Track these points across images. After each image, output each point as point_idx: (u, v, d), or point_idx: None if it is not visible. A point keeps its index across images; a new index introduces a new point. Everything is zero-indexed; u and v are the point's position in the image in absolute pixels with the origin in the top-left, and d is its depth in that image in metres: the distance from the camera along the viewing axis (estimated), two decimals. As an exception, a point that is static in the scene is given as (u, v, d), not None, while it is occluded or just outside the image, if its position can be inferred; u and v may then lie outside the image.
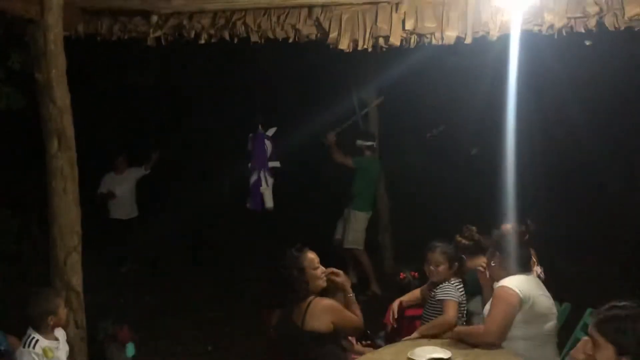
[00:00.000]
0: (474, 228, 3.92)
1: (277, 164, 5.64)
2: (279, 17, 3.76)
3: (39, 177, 3.72)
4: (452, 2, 3.52)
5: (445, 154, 8.71)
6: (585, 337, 2.18)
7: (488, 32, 3.53)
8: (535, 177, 6.85)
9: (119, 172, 7.27)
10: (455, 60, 6.34)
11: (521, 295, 2.97)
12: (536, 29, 3.50)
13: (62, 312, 3.25)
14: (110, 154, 7.41)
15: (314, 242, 3.50)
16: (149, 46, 4.05)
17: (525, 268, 3.15)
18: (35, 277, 5.80)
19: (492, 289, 3.18)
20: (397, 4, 3.54)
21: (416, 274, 4.41)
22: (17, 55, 4.53)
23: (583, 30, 3.45)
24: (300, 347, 3.20)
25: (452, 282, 3.56)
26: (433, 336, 3.26)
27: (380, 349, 3.28)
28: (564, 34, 3.51)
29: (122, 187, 7.22)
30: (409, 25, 3.54)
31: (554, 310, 3.15)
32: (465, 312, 3.59)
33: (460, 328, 3.28)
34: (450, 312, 3.40)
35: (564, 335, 3.39)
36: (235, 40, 3.94)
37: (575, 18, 3.40)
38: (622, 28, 3.35)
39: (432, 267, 3.61)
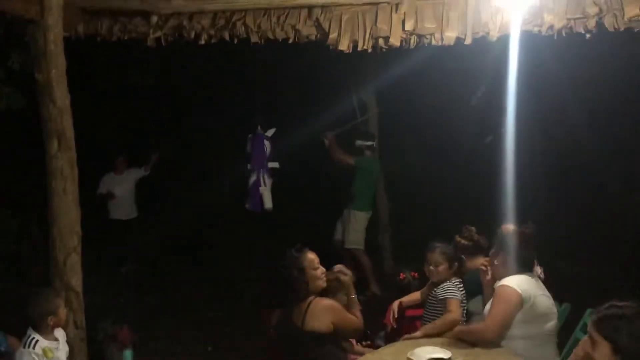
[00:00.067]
0: (473, 228, 3.92)
1: (276, 164, 5.65)
2: (278, 18, 3.76)
3: (39, 178, 3.72)
4: (452, 2, 3.52)
5: (445, 154, 8.71)
6: (586, 337, 2.20)
7: (488, 33, 3.53)
8: (535, 177, 6.86)
9: (118, 172, 7.27)
10: (455, 61, 6.34)
11: (522, 295, 2.98)
12: (536, 29, 3.50)
13: (62, 312, 3.25)
14: (110, 154, 7.41)
15: (313, 242, 3.50)
16: (149, 47, 4.06)
17: (527, 268, 3.15)
18: (35, 277, 5.81)
19: (493, 288, 3.18)
20: (397, 5, 3.55)
21: (416, 274, 4.42)
22: (17, 55, 4.53)
23: (583, 31, 3.46)
24: (300, 347, 3.20)
25: (453, 281, 3.58)
26: (436, 335, 3.26)
27: (380, 349, 3.28)
28: (564, 34, 3.51)
29: (122, 188, 7.22)
30: (408, 26, 3.55)
31: (554, 310, 3.16)
32: (465, 312, 3.60)
33: (459, 327, 3.28)
34: (455, 310, 3.42)
35: (564, 335, 3.39)
36: (235, 41, 3.94)
37: (574, 19, 3.40)
38: (622, 29, 3.36)
39: (431, 267, 3.62)
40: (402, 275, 4.52)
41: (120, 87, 7.97)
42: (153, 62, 7.39)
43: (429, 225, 6.52)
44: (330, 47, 3.73)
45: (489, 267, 3.38)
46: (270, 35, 3.83)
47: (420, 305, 3.86)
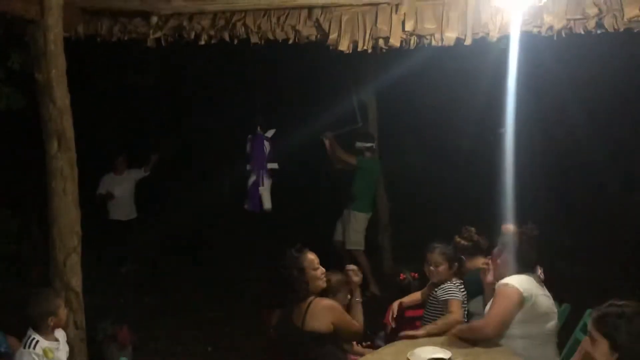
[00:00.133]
0: (472, 229, 3.93)
1: (275, 165, 5.64)
2: (278, 18, 3.77)
3: (39, 178, 3.72)
4: (452, 3, 3.53)
5: (445, 155, 8.72)
6: (587, 336, 2.23)
7: (488, 33, 3.54)
8: (535, 177, 6.87)
9: (118, 172, 7.27)
10: (455, 62, 6.35)
11: (524, 294, 2.98)
12: (536, 30, 3.50)
13: (63, 312, 3.25)
14: (110, 154, 7.41)
15: (313, 243, 3.51)
16: (148, 47, 4.06)
17: (529, 269, 3.16)
18: (35, 277, 5.81)
19: (494, 289, 3.18)
20: (397, 5, 3.55)
21: (416, 274, 4.42)
22: (17, 55, 4.53)
23: (582, 32, 3.46)
24: (300, 347, 3.20)
25: (454, 282, 3.58)
26: (437, 334, 3.26)
27: (380, 349, 3.28)
28: (564, 35, 3.52)
29: (122, 188, 7.22)
30: (408, 27, 3.55)
31: (555, 310, 3.17)
32: (466, 313, 3.60)
33: (459, 325, 3.29)
34: (456, 311, 3.42)
35: (564, 336, 3.39)
36: (235, 42, 3.94)
37: (574, 19, 3.41)
38: (622, 29, 3.36)
39: (431, 268, 3.62)
40: (402, 276, 4.52)
41: (120, 88, 7.97)
42: (153, 62, 7.39)
43: (429, 225, 6.52)
44: (330, 47, 3.73)
45: (490, 267, 3.38)
46: (270, 36, 3.83)
47: (420, 305, 3.86)
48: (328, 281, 3.41)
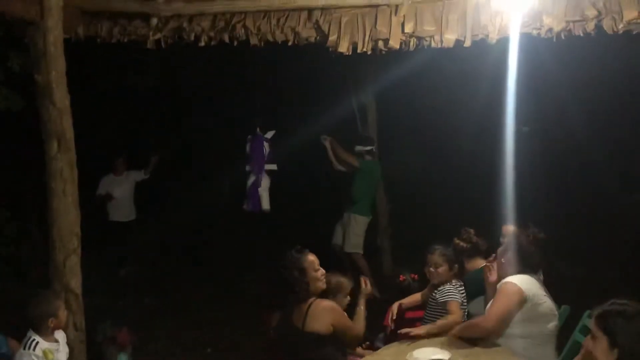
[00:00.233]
0: (471, 230, 3.94)
1: (274, 166, 5.65)
2: (278, 20, 3.77)
3: (39, 179, 3.72)
4: (452, 5, 3.54)
5: (444, 156, 8.72)
6: (589, 335, 2.28)
7: (487, 35, 3.55)
8: (535, 178, 6.87)
9: (117, 173, 7.27)
10: (455, 64, 6.35)
11: (525, 293, 2.99)
12: (535, 32, 3.51)
13: (62, 314, 3.25)
14: (110, 155, 7.41)
15: (312, 244, 3.51)
16: (148, 48, 4.06)
17: (532, 269, 3.17)
18: (35, 279, 5.81)
19: (495, 288, 3.19)
20: (396, 7, 3.56)
21: (416, 276, 4.42)
22: (17, 56, 4.54)
23: (581, 34, 3.47)
24: (300, 348, 3.20)
25: (453, 283, 3.58)
26: (437, 335, 3.26)
27: (379, 350, 3.29)
28: (563, 37, 3.53)
29: (121, 189, 7.21)
30: (408, 28, 3.56)
31: (555, 312, 3.17)
32: (466, 314, 3.60)
33: (459, 325, 3.29)
34: (456, 312, 3.42)
35: (562, 337, 3.39)
36: (235, 43, 3.95)
37: (573, 21, 3.42)
38: (620, 31, 3.37)
39: (431, 269, 3.63)
40: (402, 277, 4.52)
41: (119, 89, 7.97)
42: (153, 64, 7.39)
43: (429, 226, 6.52)
44: (330, 49, 3.74)
45: (494, 267, 3.38)
46: (270, 38, 3.84)
47: (420, 306, 3.86)
48: (328, 283, 3.41)
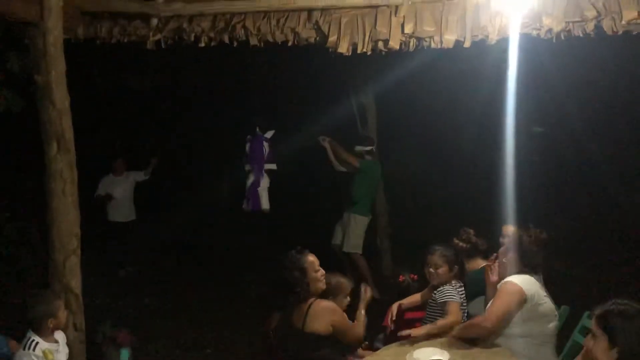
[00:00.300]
0: (471, 231, 3.94)
1: (273, 166, 5.65)
2: (278, 21, 3.77)
3: (39, 179, 3.72)
4: (451, 5, 3.54)
5: (444, 157, 8.72)
6: (590, 335, 2.32)
7: (487, 36, 3.55)
8: (534, 179, 6.87)
9: (117, 174, 7.27)
10: (454, 64, 6.36)
11: (526, 293, 2.99)
12: (535, 32, 3.52)
13: (62, 314, 3.25)
14: (110, 156, 7.41)
15: (312, 245, 3.51)
16: (148, 49, 4.06)
17: (534, 269, 3.16)
18: (34, 279, 5.81)
19: (496, 288, 3.19)
20: (396, 8, 3.56)
21: (415, 276, 4.42)
22: (16, 57, 4.53)
23: (581, 34, 3.47)
24: (300, 348, 3.20)
25: (453, 284, 3.57)
26: (436, 335, 3.26)
27: (379, 351, 3.29)
28: (562, 37, 3.53)
29: (121, 189, 7.22)
30: (408, 29, 3.56)
31: (556, 312, 3.18)
32: (466, 315, 3.60)
33: (459, 325, 3.29)
34: (455, 313, 3.41)
35: (561, 338, 3.40)
36: (235, 44, 3.95)
37: (573, 22, 3.42)
38: (620, 32, 3.37)
39: (431, 270, 3.62)
40: (401, 278, 4.52)
41: (119, 89, 7.98)
42: (153, 64, 7.39)
43: (428, 227, 6.54)
44: (330, 50, 3.74)
45: (495, 266, 3.37)
46: (270, 38, 3.84)
47: (419, 307, 3.86)
48: (328, 283, 3.41)
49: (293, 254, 3.33)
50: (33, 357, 3.08)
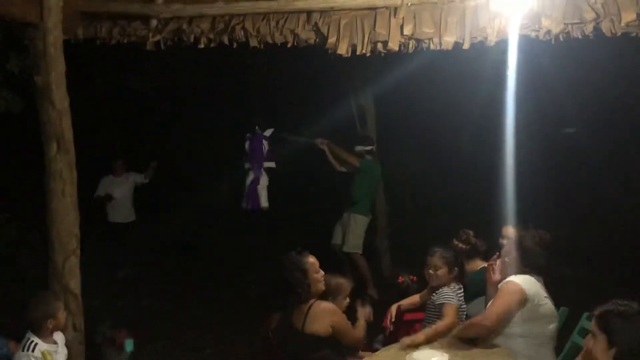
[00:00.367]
0: (470, 232, 3.94)
1: (272, 164, 5.65)
2: (277, 22, 3.78)
3: (38, 180, 3.72)
4: (450, 7, 3.55)
5: (443, 158, 8.73)
6: (590, 335, 2.33)
7: (486, 38, 3.55)
8: (533, 180, 6.88)
9: (117, 174, 7.27)
10: (454, 66, 6.37)
11: (527, 293, 3.00)
12: (533, 34, 3.52)
13: (62, 315, 3.25)
14: (109, 157, 7.41)
15: (312, 244, 3.52)
16: (148, 50, 4.06)
17: (536, 270, 3.16)
18: (34, 280, 5.80)
19: (497, 288, 3.19)
20: (395, 9, 3.57)
21: (415, 277, 4.42)
22: (16, 58, 4.53)
23: (580, 36, 3.48)
24: (300, 349, 3.20)
25: (452, 286, 3.57)
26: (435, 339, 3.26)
27: (378, 352, 3.28)
28: (561, 39, 3.54)
29: (121, 190, 7.22)
30: (407, 31, 3.57)
31: (556, 314, 3.18)
32: (465, 317, 3.60)
33: (459, 326, 3.29)
34: (450, 316, 3.41)
35: (560, 339, 3.40)
36: (235, 45, 3.95)
37: (572, 24, 3.43)
38: (619, 34, 3.38)
39: (431, 271, 3.62)
40: (401, 279, 4.52)
41: (119, 90, 7.98)
42: (152, 65, 7.40)
43: (428, 228, 6.54)
44: (329, 51, 3.74)
45: (497, 266, 3.37)
46: (269, 40, 3.84)
47: (418, 308, 3.86)
48: (327, 284, 3.41)
49: (294, 255, 3.33)
50: (32, 358, 3.08)
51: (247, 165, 5.64)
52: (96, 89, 7.66)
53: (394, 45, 3.60)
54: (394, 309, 3.83)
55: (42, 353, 3.09)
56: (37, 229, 6.27)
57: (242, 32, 3.84)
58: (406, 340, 3.17)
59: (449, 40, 3.56)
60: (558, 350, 3.31)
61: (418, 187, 8.49)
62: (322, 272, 3.37)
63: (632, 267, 6.24)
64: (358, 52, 3.70)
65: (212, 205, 8.32)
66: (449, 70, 6.62)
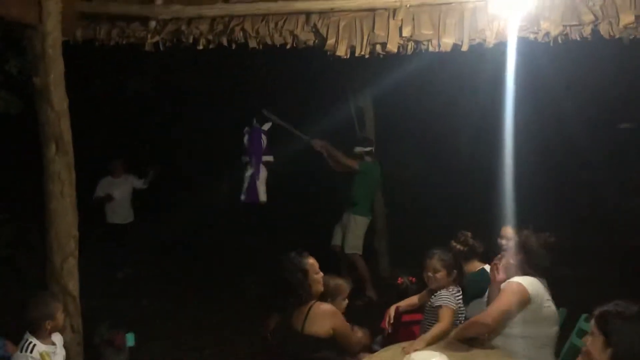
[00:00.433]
0: (468, 233, 3.94)
1: (270, 158, 5.63)
2: (276, 23, 3.78)
3: (37, 181, 3.73)
4: (449, 9, 3.55)
5: (442, 159, 8.74)
6: (589, 335, 2.33)
7: (484, 39, 3.56)
8: (532, 182, 6.88)
9: (116, 176, 7.27)
10: (452, 68, 6.38)
11: (530, 294, 2.99)
12: (532, 36, 3.53)
13: (60, 316, 3.24)
14: (108, 158, 7.42)
15: (312, 245, 3.52)
16: (147, 51, 4.06)
17: (540, 272, 3.16)
18: (32, 281, 5.80)
19: (499, 289, 3.19)
20: (394, 11, 3.57)
21: (414, 279, 4.42)
22: (15, 59, 4.54)
23: (578, 38, 3.49)
24: (299, 351, 3.21)
25: (451, 289, 3.56)
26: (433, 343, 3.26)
27: (376, 353, 3.29)
28: (560, 41, 3.54)
29: (120, 191, 7.22)
30: (406, 32, 3.57)
31: (557, 317, 3.18)
32: (463, 318, 3.59)
33: (459, 326, 3.29)
34: (446, 319, 3.38)
35: (558, 340, 3.40)
36: (234, 46, 3.95)
37: (570, 26, 3.44)
38: (617, 36, 3.39)
39: (430, 274, 3.61)
40: (400, 280, 4.52)
41: (118, 91, 7.98)
42: (151, 66, 7.40)
43: (426, 229, 6.54)
44: (328, 52, 3.75)
45: (501, 266, 3.37)
46: (269, 41, 3.85)
47: (417, 309, 3.86)
48: (326, 286, 3.42)
49: (294, 256, 3.33)
50: (30, 359, 3.08)
51: (245, 159, 5.63)
52: (95, 90, 7.66)
53: (392, 47, 3.61)
54: (392, 310, 3.83)
55: (41, 354, 3.09)
56: (36, 230, 6.29)
57: (241, 33, 3.84)
58: (406, 347, 3.16)
59: (447, 42, 3.56)
60: (556, 352, 3.30)
61: (417, 188, 8.50)
62: (321, 274, 3.37)
63: (632, 268, 6.24)
64: (357, 54, 3.71)
65: (212, 205, 8.32)
66: (448, 72, 6.63)
